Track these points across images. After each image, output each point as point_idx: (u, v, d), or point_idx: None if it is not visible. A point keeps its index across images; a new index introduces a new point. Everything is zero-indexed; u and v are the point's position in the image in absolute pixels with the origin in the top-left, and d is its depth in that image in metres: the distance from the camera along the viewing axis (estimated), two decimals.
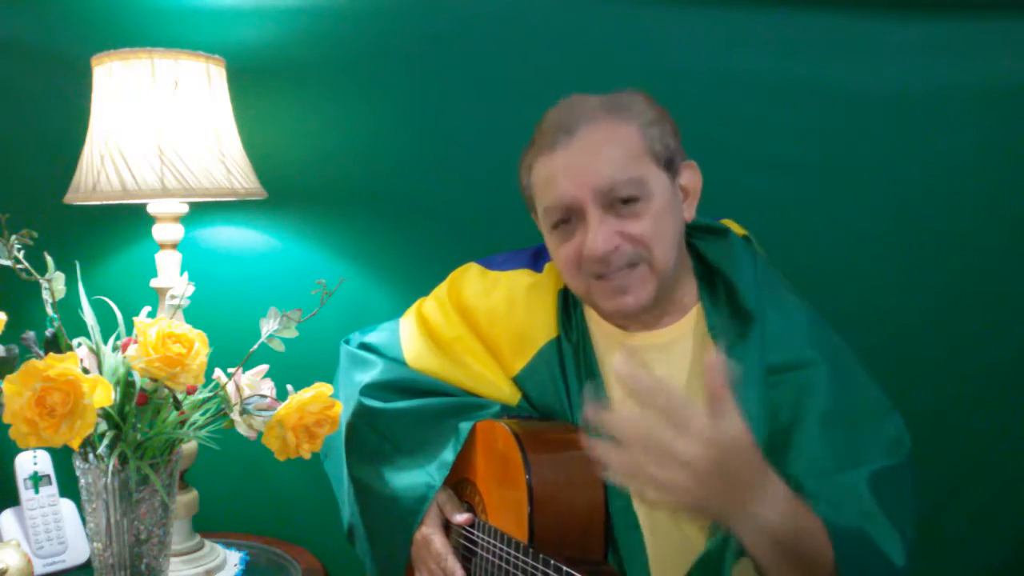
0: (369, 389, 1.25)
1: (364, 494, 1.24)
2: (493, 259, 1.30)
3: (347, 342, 1.35)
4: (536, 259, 1.28)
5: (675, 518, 1.13)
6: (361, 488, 1.24)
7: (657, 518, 1.15)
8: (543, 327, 1.22)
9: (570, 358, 1.19)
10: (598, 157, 1.07)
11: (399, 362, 1.28)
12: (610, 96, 1.12)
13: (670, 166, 1.11)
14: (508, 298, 1.25)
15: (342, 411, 1.14)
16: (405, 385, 1.25)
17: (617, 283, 1.08)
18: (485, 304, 1.26)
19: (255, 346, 1.11)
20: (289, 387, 1.12)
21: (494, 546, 1.13)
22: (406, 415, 1.22)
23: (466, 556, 1.19)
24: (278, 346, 1.11)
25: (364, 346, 1.32)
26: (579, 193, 1.07)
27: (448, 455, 1.18)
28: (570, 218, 1.10)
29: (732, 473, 0.82)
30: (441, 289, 1.32)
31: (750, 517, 0.86)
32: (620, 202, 1.07)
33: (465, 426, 1.19)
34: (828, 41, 1.46)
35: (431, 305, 1.31)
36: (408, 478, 1.20)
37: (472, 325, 1.27)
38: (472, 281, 1.29)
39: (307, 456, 1.13)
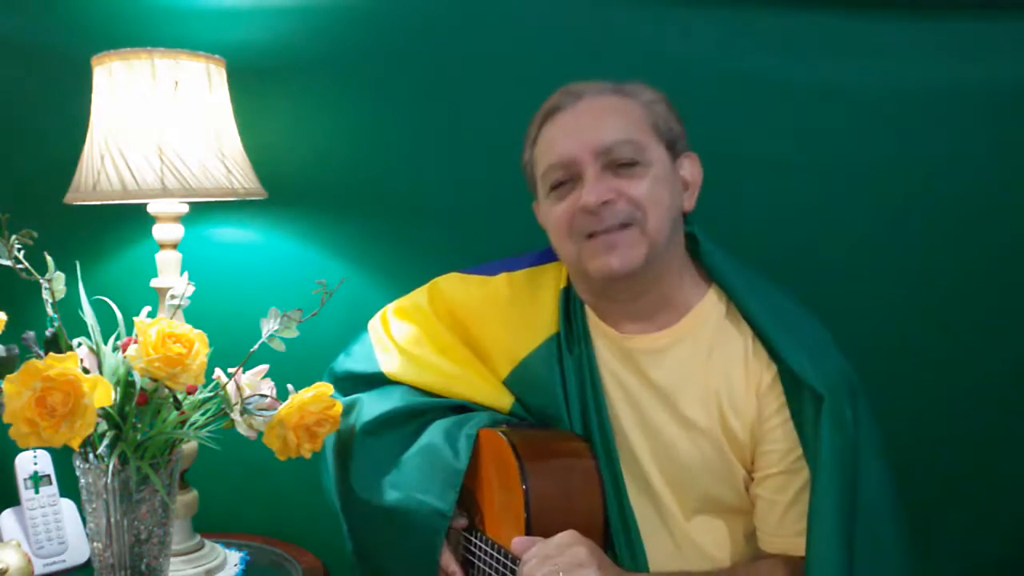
0: (365, 436, 1.22)
1: (373, 523, 1.20)
2: (473, 269, 1.31)
3: (331, 371, 1.33)
4: (518, 263, 1.28)
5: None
6: (368, 516, 1.21)
7: (655, 525, 1.14)
8: (544, 324, 1.21)
9: (569, 357, 1.19)
10: (601, 119, 1.10)
11: (381, 381, 1.27)
12: (616, 82, 1.15)
13: (672, 147, 1.13)
14: (497, 300, 1.25)
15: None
16: (400, 416, 1.22)
17: (606, 239, 1.08)
18: (472, 309, 1.26)
19: (255, 346, 1.11)
20: (290, 387, 1.12)
21: (491, 556, 1.13)
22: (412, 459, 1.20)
23: (466, 567, 1.19)
24: (278, 346, 1.11)
25: (345, 379, 1.30)
26: (579, 152, 1.09)
27: (460, 465, 1.16)
28: (568, 180, 1.11)
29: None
30: (418, 299, 1.31)
31: None
32: (619, 165, 1.09)
33: (470, 434, 1.17)
34: (828, 41, 1.46)
35: (409, 318, 1.30)
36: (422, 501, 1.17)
37: (459, 332, 1.27)
38: (455, 287, 1.29)
39: (307, 456, 1.13)
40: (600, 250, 1.09)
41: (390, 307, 1.34)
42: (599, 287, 1.15)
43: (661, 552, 1.14)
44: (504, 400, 1.23)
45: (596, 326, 1.20)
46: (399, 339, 1.29)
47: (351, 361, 1.31)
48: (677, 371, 1.14)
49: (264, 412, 1.10)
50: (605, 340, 1.19)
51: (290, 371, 1.17)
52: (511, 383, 1.23)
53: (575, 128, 1.11)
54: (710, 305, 1.15)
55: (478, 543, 1.17)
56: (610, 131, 1.09)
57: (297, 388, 1.12)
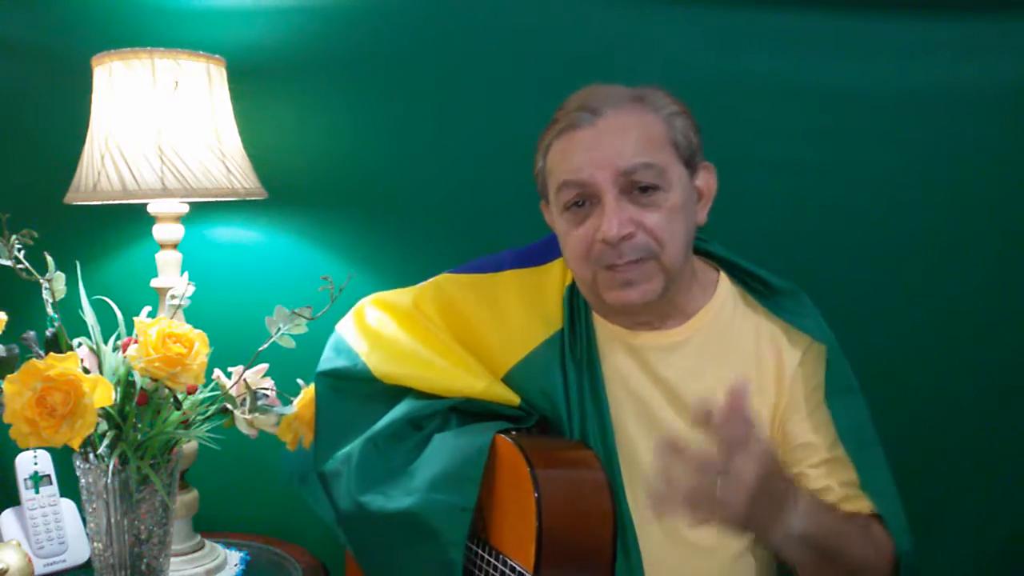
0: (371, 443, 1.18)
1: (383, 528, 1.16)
2: (473, 266, 1.29)
3: (322, 374, 1.26)
4: (519, 258, 1.27)
5: (722, 533, 1.12)
6: (380, 529, 1.16)
7: (659, 534, 1.14)
8: (547, 321, 1.20)
9: (572, 355, 1.19)
10: (622, 139, 1.06)
11: (370, 379, 1.23)
12: (634, 87, 1.12)
13: (690, 163, 1.11)
14: (499, 297, 1.24)
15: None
16: (405, 425, 1.20)
17: (625, 276, 1.08)
18: (473, 306, 1.25)
19: (266, 343, 1.11)
20: (300, 381, 1.13)
21: (491, 566, 1.13)
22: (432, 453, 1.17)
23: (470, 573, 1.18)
24: (288, 343, 1.11)
25: (333, 375, 1.25)
26: (599, 174, 1.06)
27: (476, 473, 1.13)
28: (584, 201, 1.09)
29: (771, 486, 0.89)
30: (415, 297, 1.29)
31: (785, 526, 0.92)
32: (639, 189, 1.07)
33: (484, 439, 1.15)
34: (828, 41, 1.46)
35: (405, 317, 1.28)
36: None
37: (458, 330, 1.25)
38: (455, 285, 1.27)
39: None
40: (618, 284, 1.08)
41: (384, 302, 1.31)
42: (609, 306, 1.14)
43: (654, 545, 1.13)
44: (501, 396, 1.21)
45: (602, 324, 1.19)
46: (389, 336, 1.26)
47: (335, 359, 1.25)
48: (688, 367, 1.14)
49: (279, 409, 1.12)
50: (611, 338, 1.18)
51: (290, 370, 1.17)
52: (512, 380, 1.22)
53: (595, 148, 1.07)
54: (719, 303, 1.16)
55: (478, 551, 1.16)
56: (630, 153, 1.05)
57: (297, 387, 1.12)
